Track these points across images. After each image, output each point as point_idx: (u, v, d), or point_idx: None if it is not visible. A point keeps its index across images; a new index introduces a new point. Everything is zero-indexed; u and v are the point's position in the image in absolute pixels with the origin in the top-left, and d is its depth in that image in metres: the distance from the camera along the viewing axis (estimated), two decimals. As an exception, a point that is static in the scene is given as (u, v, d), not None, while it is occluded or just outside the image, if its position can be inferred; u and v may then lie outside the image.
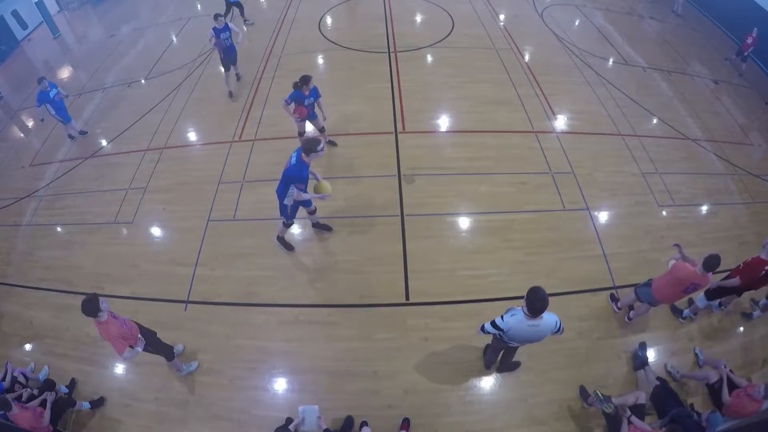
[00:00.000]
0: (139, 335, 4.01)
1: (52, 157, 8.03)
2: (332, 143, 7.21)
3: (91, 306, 3.58)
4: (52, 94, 7.63)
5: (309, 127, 6.84)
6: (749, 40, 9.90)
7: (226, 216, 6.29)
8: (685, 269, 4.11)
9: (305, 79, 5.99)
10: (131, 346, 3.87)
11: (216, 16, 8.01)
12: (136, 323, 4.15)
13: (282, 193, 4.89)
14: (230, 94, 8.58)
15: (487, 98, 8.23)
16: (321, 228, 5.91)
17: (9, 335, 5.46)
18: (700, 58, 10.63)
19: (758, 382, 4.13)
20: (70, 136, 8.37)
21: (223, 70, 8.55)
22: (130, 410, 4.60)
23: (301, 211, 5.45)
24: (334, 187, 6.46)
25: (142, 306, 5.41)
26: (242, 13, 11.16)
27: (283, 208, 5.13)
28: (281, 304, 5.28)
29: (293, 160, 4.66)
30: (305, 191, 4.79)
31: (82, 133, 8.47)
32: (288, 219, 5.35)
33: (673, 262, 4.22)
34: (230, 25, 8.13)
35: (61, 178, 7.50)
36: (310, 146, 4.54)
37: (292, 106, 6.14)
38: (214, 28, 7.95)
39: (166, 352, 4.49)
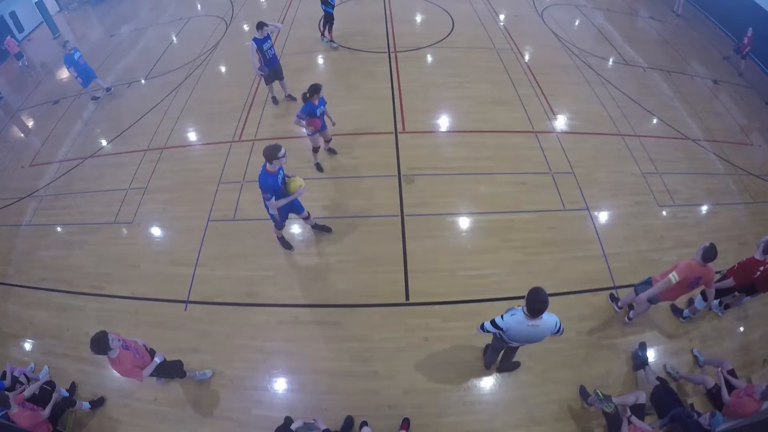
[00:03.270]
0: (153, 358, 3.93)
1: (52, 157, 8.03)
2: (332, 151, 7.02)
3: (100, 345, 3.43)
4: (76, 56, 8.47)
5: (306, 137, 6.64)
6: (745, 40, 10.03)
7: (226, 216, 6.29)
8: (687, 265, 4.08)
9: (315, 89, 5.65)
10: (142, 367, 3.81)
11: (259, 25, 6.97)
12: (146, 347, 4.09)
13: (265, 203, 4.89)
14: (274, 100, 8.13)
15: (487, 98, 8.23)
16: (320, 229, 5.90)
17: (9, 335, 5.46)
18: (700, 58, 10.63)
19: (758, 383, 4.13)
20: (94, 98, 9.10)
21: (265, 84, 7.92)
22: (130, 410, 4.60)
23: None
24: (335, 187, 6.55)
25: (142, 306, 5.42)
26: (329, 29, 9.80)
27: (271, 216, 5.16)
28: (281, 304, 5.28)
29: (261, 170, 4.60)
30: (272, 198, 4.63)
31: (108, 90, 9.23)
32: (278, 225, 5.36)
33: (674, 273, 4.13)
34: (271, 26, 7.17)
35: (61, 178, 7.50)
36: (270, 153, 4.42)
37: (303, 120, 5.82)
38: (255, 39, 6.99)
39: (180, 373, 4.41)
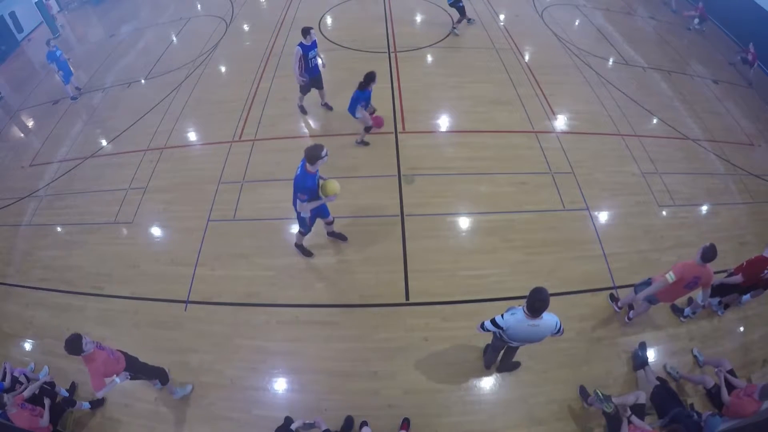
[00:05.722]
0: (124, 366, 3.86)
1: (52, 157, 8.03)
2: (364, 143, 7.12)
3: (74, 345, 3.45)
4: (57, 54, 9.00)
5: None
6: (750, 57, 9.82)
7: (226, 216, 6.29)
8: (685, 265, 4.09)
9: (371, 77, 6.01)
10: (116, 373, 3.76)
11: (305, 31, 6.62)
12: (122, 352, 4.03)
13: (294, 203, 4.74)
14: (302, 109, 7.79)
15: (487, 98, 8.23)
16: (336, 237, 5.80)
17: (9, 335, 5.46)
18: (700, 58, 10.63)
19: (758, 383, 4.13)
20: (72, 98, 9.46)
21: (300, 93, 7.51)
22: (130, 410, 4.59)
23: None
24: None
25: (142, 306, 5.42)
26: (460, 21, 10.11)
27: (301, 220, 5.02)
28: (281, 304, 5.28)
29: (298, 170, 4.50)
30: (307, 201, 4.54)
31: (77, 89, 9.63)
32: (306, 230, 5.25)
33: (671, 272, 4.15)
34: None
35: (61, 178, 7.50)
36: (313, 154, 4.31)
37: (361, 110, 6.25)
38: (302, 45, 6.66)
39: (160, 375, 4.33)
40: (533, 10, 11.76)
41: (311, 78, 7.17)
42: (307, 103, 7.80)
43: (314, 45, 6.81)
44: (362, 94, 6.13)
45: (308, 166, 4.42)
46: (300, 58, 6.74)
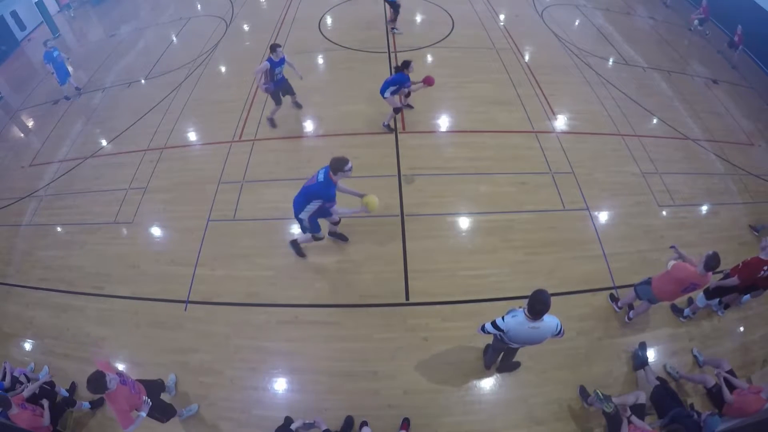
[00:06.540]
0: (145, 396, 3.74)
1: (52, 157, 8.02)
2: (408, 106, 7.79)
3: (98, 384, 3.31)
4: (55, 54, 9.07)
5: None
6: (736, 38, 10.28)
7: (226, 216, 6.29)
8: (685, 270, 4.11)
9: (407, 63, 6.55)
10: (136, 409, 3.64)
11: (273, 47, 6.71)
12: (141, 383, 3.92)
13: (299, 204, 4.71)
14: (272, 123, 7.68)
15: (487, 98, 8.22)
16: (337, 237, 5.81)
17: (9, 335, 5.46)
18: (700, 58, 10.64)
19: (760, 384, 4.14)
20: (66, 98, 9.55)
21: (274, 104, 7.39)
22: (130, 410, 4.59)
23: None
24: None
25: (142, 306, 5.41)
26: (394, 18, 10.18)
27: (299, 221, 4.96)
28: (281, 304, 5.28)
29: (320, 177, 4.51)
30: (334, 206, 4.64)
31: (77, 89, 9.65)
32: (318, 232, 5.14)
33: (673, 262, 4.22)
34: (286, 58, 7.03)
35: (61, 178, 7.49)
36: (338, 165, 4.39)
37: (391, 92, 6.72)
38: (270, 60, 6.71)
39: (170, 414, 4.18)
40: (533, 10, 11.76)
41: (277, 87, 7.13)
42: (306, 105, 7.80)
43: (282, 61, 6.89)
44: (403, 78, 6.62)
45: (332, 175, 4.49)
46: (266, 71, 6.76)
